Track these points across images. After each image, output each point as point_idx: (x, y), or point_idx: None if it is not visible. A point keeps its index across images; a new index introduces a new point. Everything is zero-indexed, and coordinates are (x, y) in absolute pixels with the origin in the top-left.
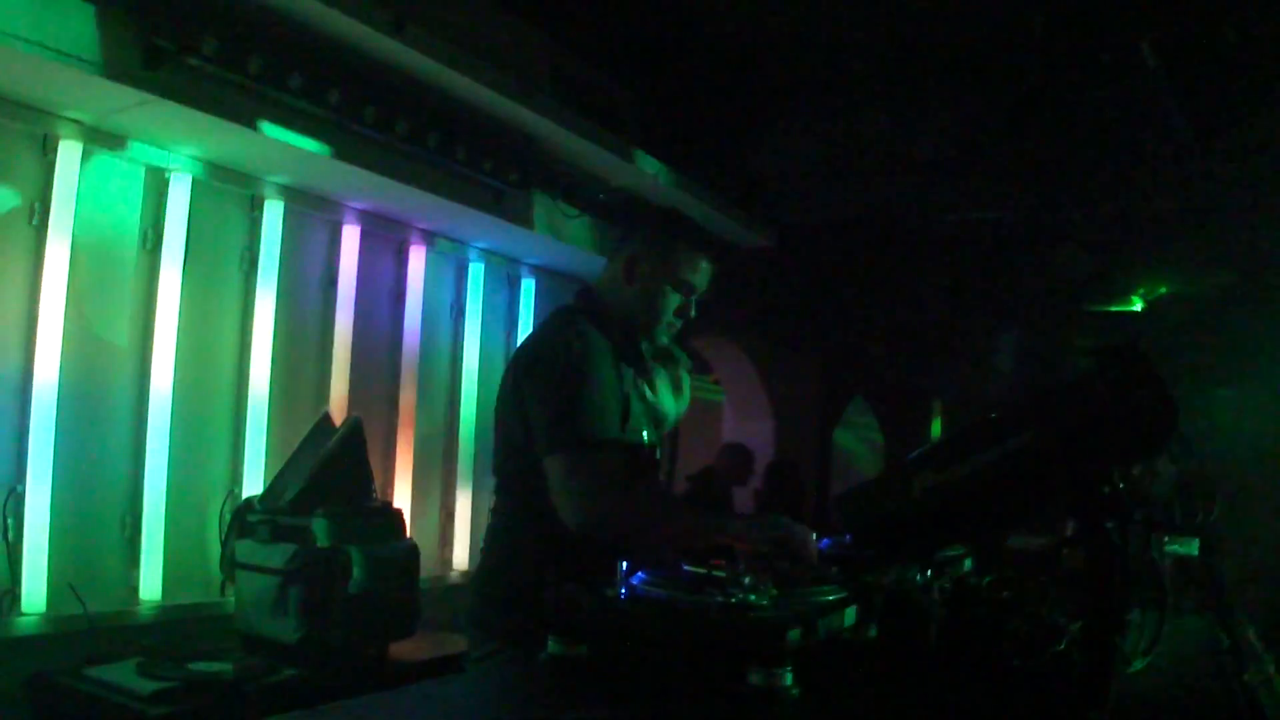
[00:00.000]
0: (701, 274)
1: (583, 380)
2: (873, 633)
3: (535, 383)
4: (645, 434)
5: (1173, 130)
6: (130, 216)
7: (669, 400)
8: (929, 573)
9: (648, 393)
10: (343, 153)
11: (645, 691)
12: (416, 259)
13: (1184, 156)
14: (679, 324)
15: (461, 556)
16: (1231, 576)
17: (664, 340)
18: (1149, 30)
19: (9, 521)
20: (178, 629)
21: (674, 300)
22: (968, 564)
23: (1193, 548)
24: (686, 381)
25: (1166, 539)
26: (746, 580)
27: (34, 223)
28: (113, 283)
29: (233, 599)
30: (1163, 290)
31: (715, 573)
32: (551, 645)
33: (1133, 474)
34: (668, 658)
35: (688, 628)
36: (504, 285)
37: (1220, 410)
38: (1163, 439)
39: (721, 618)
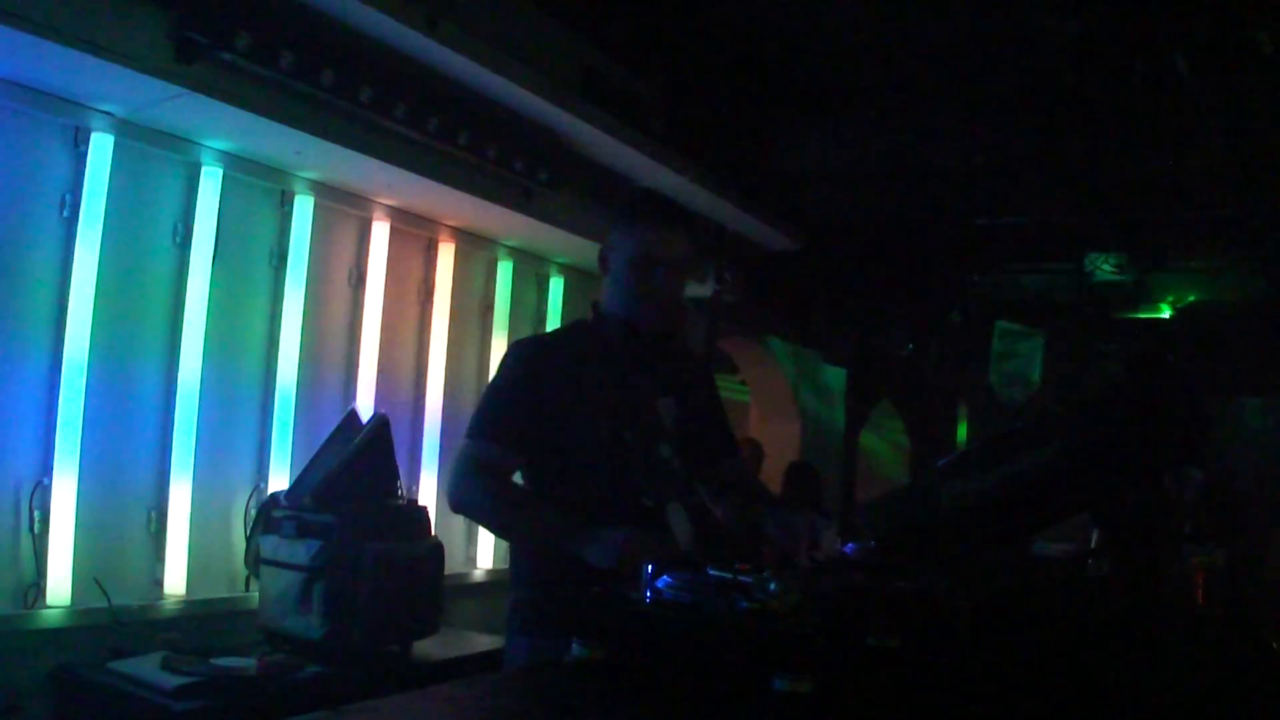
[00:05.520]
0: (663, 245)
1: (494, 384)
2: (898, 640)
3: None
4: (619, 433)
5: (1204, 137)
6: (161, 210)
7: (661, 391)
8: (955, 580)
9: (626, 385)
10: (373, 149)
11: (669, 696)
12: (445, 256)
13: (1215, 163)
14: (665, 302)
15: (485, 555)
16: (1260, 584)
17: (656, 325)
18: (1182, 37)
19: (35, 514)
20: (202, 624)
21: (641, 279)
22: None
23: (1220, 557)
24: (702, 379)
25: (1194, 548)
26: (772, 585)
27: (65, 215)
28: (142, 276)
29: (257, 594)
30: (1191, 298)
31: (741, 577)
32: (575, 648)
33: (1161, 483)
34: (692, 662)
35: (712, 632)
36: (532, 283)
37: (1249, 419)
38: (1192, 449)
39: (747, 623)
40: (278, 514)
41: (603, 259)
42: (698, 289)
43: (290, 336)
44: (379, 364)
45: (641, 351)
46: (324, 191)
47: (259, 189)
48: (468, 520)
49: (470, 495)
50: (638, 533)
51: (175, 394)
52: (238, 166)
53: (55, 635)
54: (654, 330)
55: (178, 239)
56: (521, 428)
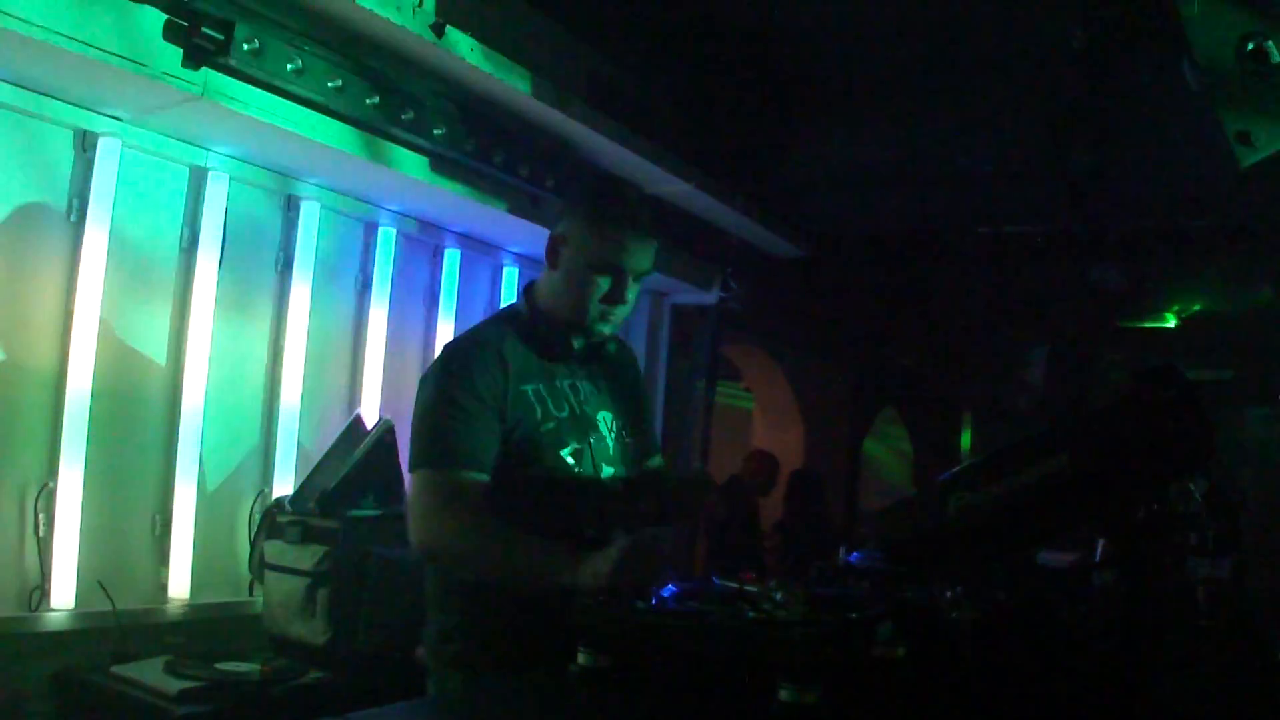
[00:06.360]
0: (628, 253)
1: (440, 399)
2: (903, 650)
3: (417, 394)
4: (567, 444)
5: (1210, 146)
6: (167, 215)
7: (603, 403)
8: (960, 590)
9: (570, 396)
10: (380, 155)
11: (675, 706)
12: (451, 262)
13: (1220, 172)
14: (617, 312)
15: None
16: (1265, 596)
17: (602, 331)
18: (1189, 46)
19: (40, 517)
20: (206, 628)
21: (599, 285)
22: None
23: (1225, 568)
24: (634, 378)
25: (1200, 560)
26: (778, 595)
27: (72, 219)
28: (148, 281)
29: (261, 599)
30: (1196, 307)
31: (747, 587)
32: (581, 657)
33: (1167, 494)
34: (698, 672)
35: (718, 642)
36: None
37: (1254, 429)
38: (1199, 460)
39: (752, 632)
40: (282, 519)
41: (553, 250)
42: (703, 296)
43: (296, 342)
44: (384, 370)
45: (585, 359)
46: (331, 197)
47: (265, 194)
48: None
49: (454, 535)
50: (645, 536)
51: (181, 398)
52: (244, 172)
53: (59, 638)
54: (600, 337)
55: (184, 244)
56: (484, 444)
